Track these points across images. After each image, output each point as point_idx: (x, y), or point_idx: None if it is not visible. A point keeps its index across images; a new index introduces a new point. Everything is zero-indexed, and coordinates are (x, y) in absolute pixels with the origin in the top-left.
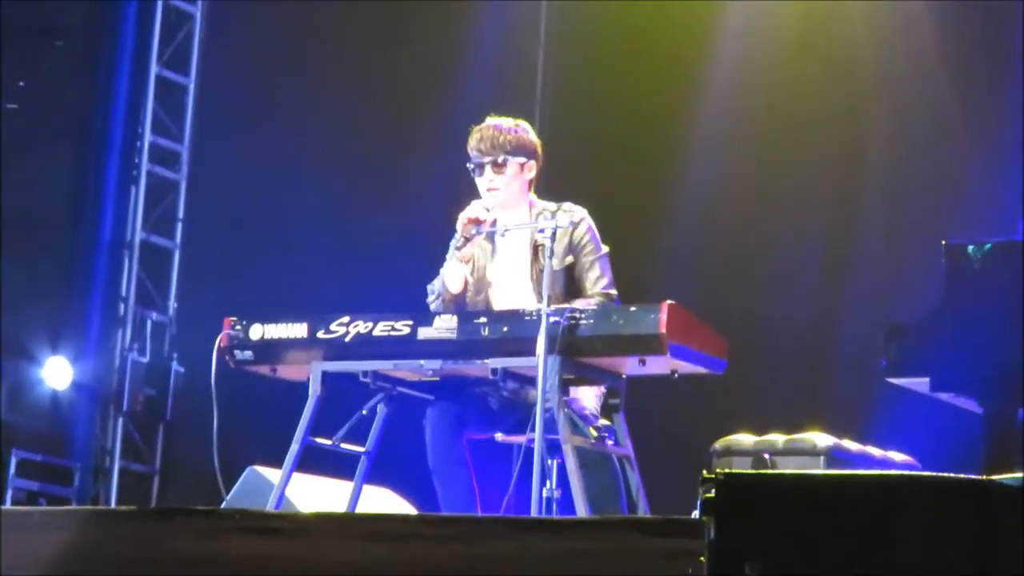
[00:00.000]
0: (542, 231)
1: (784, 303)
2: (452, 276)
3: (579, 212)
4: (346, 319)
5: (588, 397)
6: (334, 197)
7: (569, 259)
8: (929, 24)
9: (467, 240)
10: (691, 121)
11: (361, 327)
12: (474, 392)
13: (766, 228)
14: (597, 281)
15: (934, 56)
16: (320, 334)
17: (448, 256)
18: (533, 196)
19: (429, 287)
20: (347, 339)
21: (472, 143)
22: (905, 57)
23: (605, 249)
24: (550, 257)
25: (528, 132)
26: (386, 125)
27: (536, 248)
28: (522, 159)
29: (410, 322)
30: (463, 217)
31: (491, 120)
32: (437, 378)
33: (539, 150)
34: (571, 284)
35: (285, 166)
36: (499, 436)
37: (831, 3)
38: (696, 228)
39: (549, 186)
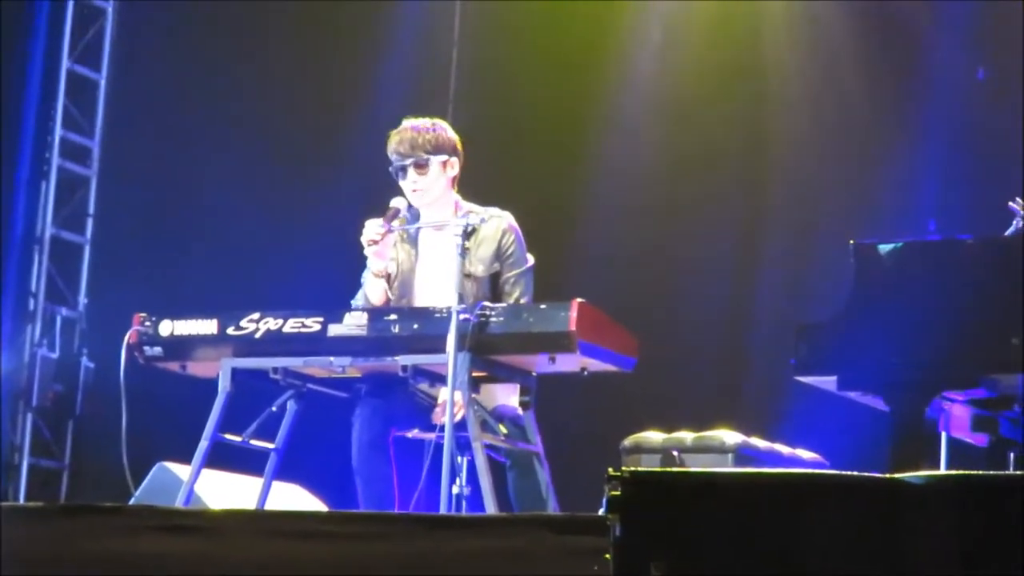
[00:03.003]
0: (470, 237)
1: (694, 301)
2: (372, 290)
3: (506, 219)
4: (256, 316)
5: (512, 395)
6: (247, 194)
7: (496, 266)
8: (841, 25)
9: (376, 256)
10: (603, 120)
11: (271, 324)
12: (403, 389)
13: (676, 227)
14: (518, 300)
15: (845, 56)
16: (230, 330)
17: (368, 265)
18: (458, 196)
19: (352, 303)
20: (257, 336)
21: (391, 147)
22: (816, 57)
23: (530, 261)
24: (462, 254)
25: (446, 130)
26: (301, 122)
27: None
28: (443, 157)
29: (320, 319)
30: (364, 241)
31: (407, 122)
32: (358, 374)
33: (459, 146)
34: (496, 292)
35: (197, 163)
36: (411, 433)
37: (744, 3)
38: (607, 226)
39: (463, 183)
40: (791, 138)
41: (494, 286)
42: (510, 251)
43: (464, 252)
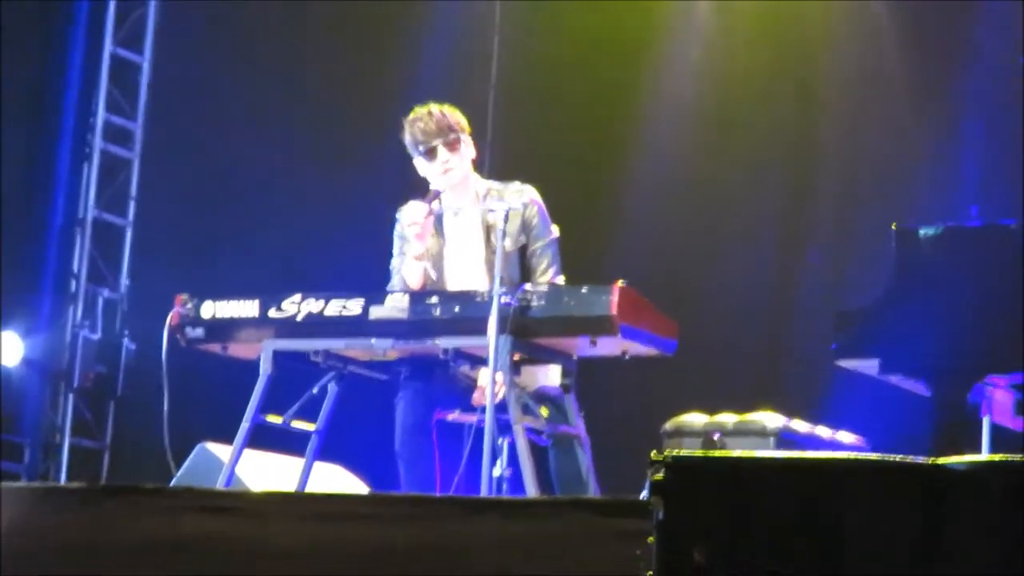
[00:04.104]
0: (492, 211)
1: (736, 285)
2: (411, 274)
3: (528, 192)
4: (297, 298)
5: (554, 376)
6: (288, 176)
7: (522, 239)
8: (885, 12)
9: (417, 238)
10: (644, 106)
11: (312, 306)
12: (445, 371)
13: (717, 210)
14: (546, 271)
15: (888, 43)
16: (271, 312)
17: (395, 253)
18: (477, 175)
19: (388, 288)
20: (298, 318)
21: (416, 130)
22: (859, 43)
23: (555, 232)
24: (503, 238)
25: (459, 113)
26: (343, 105)
27: (488, 230)
28: (466, 136)
29: (361, 301)
30: (406, 223)
31: (423, 108)
32: (392, 357)
33: None
34: (524, 266)
35: (238, 145)
36: (452, 415)
37: None
38: (647, 210)
39: (506, 170)
40: (833, 123)
41: (522, 260)
42: (534, 223)
43: (504, 235)
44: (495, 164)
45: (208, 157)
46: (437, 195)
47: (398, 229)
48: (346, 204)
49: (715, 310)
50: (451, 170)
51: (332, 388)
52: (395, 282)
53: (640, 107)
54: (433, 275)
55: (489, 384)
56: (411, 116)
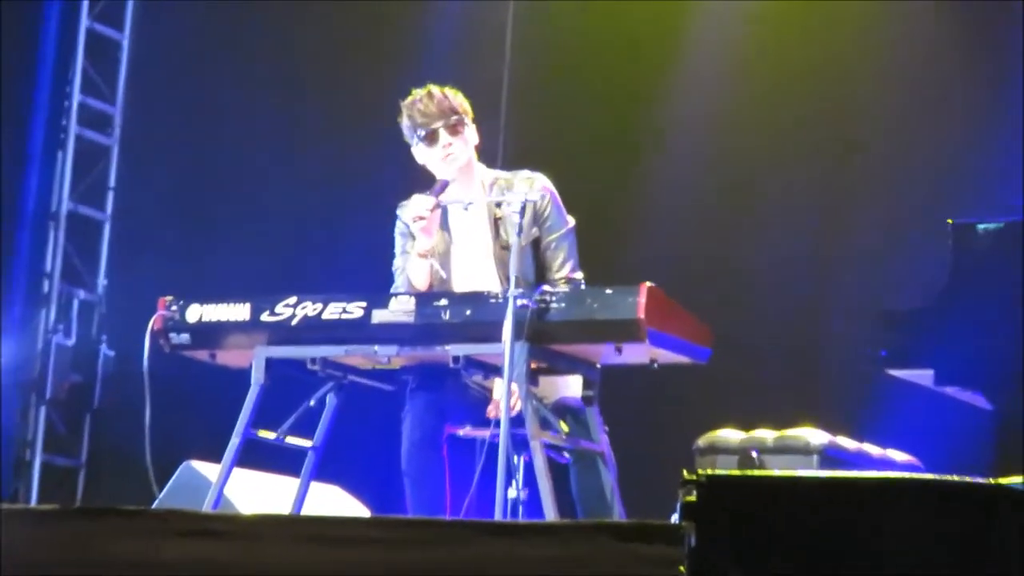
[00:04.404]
0: (501, 204)
1: (774, 287)
2: (417, 273)
3: (540, 180)
4: (293, 300)
5: (575, 386)
6: (282, 166)
7: (535, 232)
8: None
9: (424, 232)
10: (673, 97)
11: (309, 309)
12: (456, 381)
13: (753, 207)
14: (562, 266)
15: (934, 32)
16: (264, 316)
17: (397, 252)
18: (481, 165)
19: (392, 290)
20: (294, 322)
21: (415, 113)
22: (902, 33)
23: (571, 222)
24: (519, 234)
25: (461, 96)
26: (340, 86)
27: (496, 223)
28: (469, 120)
29: (363, 304)
30: (410, 217)
31: (421, 91)
32: (397, 366)
33: None
34: (538, 261)
35: (228, 132)
36: (463, 430)
37: None
38: (678, 207)
39: (519, 156)
40: (872, 118)
41: (536, 255)
42: (547, 214)
43: (520, 230)
44: (508, 151)
45: (195, 144)
46: (445, 186)
47: (400, 227)
48: (347, 198)
49: (751, 314)
50: (453, 155)
51: (331, 400)
52: (399, 283)
53: (664, 92)
54: (442, 274)
55: (504, 395)
56: (409, 99)
